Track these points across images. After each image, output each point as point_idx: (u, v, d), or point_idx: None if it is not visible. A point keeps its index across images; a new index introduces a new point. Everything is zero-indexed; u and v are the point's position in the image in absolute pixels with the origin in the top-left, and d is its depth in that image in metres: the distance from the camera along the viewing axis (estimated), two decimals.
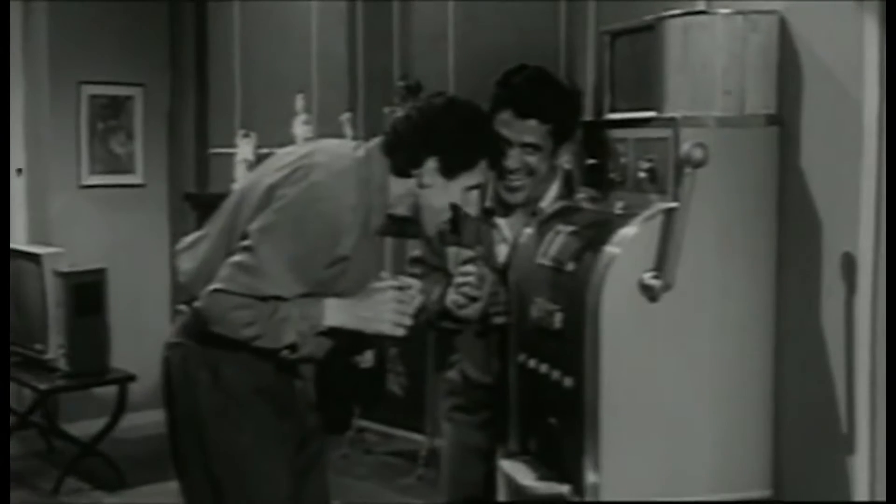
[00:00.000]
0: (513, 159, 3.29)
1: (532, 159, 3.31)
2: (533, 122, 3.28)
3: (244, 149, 6.55)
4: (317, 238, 2.98)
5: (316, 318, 3.03)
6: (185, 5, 7.35)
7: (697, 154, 2.78)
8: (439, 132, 3.04)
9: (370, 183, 3.05)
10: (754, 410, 3.01)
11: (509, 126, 3.28)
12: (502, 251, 3.48)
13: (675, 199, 2.83)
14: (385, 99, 5.35)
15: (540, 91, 3.31)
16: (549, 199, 3.44)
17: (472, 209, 3.18)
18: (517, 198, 3.38)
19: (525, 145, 3.30)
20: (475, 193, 3.13)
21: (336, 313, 3.06)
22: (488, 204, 3.45)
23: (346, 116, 5.59)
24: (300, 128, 5.84)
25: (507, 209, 3.45)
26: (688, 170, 2.79)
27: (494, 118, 3.28)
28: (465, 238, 3.48)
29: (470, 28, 5.11)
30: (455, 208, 3.12)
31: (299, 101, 5.82)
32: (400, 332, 3.09)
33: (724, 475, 2.98)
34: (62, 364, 6.22)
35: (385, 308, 3.08)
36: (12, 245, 7.08)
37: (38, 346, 6.40)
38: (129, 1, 7.29)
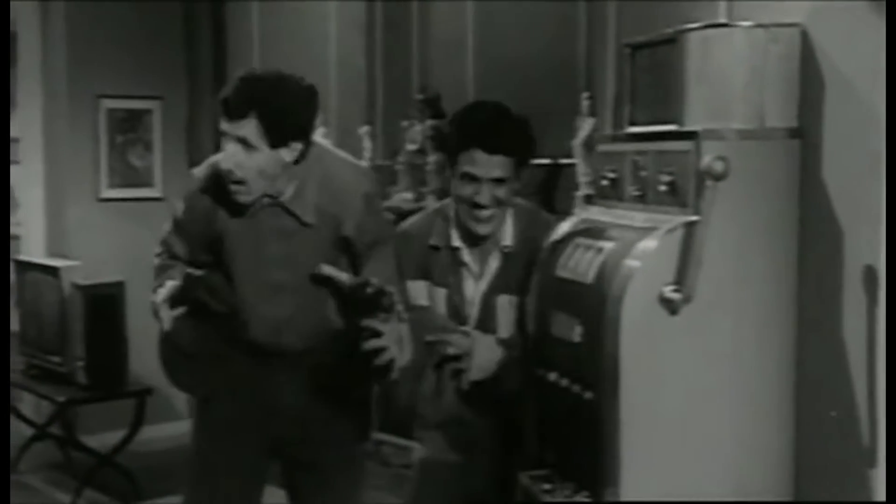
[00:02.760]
0: (483, 195, 3.40)
1: (500, 192, 3.41)
2: (499, 157, 3.38)
3: None
4: None
5: None
6: (202, 19, 7.37)
7: (718, 167, 2.77)
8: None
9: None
10: (775, 423, 3.00)
11: (477, 164, 3.39)
12: (470, 287, 3.53)
13: (696, 212, 2.82)
14: (404, 112, 5.35)
15: (503, 126, 3.41)
16: (509, 235, 3.51)
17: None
18: (487, 228, 3.47)
19: (494, 180, 3.38)
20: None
21: None
22: (455, 242, 3.51)
23: (364, 129, 5.59)
24: (319, 140, 5.83)
25: (473, 240, 3.52)
26: (709, 183, 2.78)
27: (458, 157, 3.39)
28: (435, 274, 3.54)
29: (489, 39, 5.11)
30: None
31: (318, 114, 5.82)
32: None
33: (744, 488, 2.96)
34: (80, 376, 6.23)
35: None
36: (31, 258, 7.11)
37: (57, 359, 6.42)
38: (146, 15, 7.31)
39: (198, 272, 3.32)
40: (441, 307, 3.56)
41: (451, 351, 3.38)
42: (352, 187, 3.38)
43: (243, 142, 3.19)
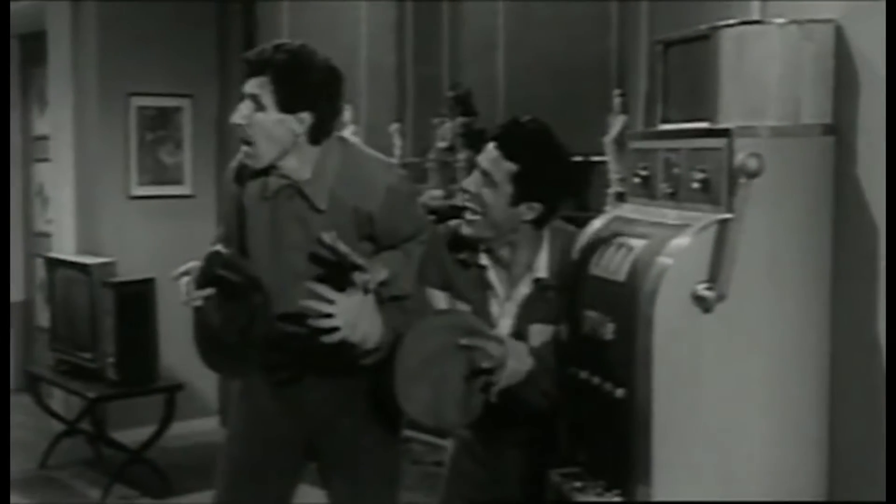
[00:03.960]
0: (468, 181, 3.35)
1: (487, 191, 3.32)
2: (503, 160, 3.30)
3: None
4: None
5: None
6: (233, 17, 7.39)
7: (752, 164, 2.76)
8: None
9: None
10: (809, 423, 2.98)
11: (482, 154, 3.35)
12: (495, 310, 3.46)
13: (729, 209, 2.81)
14: (434, 109, 5.35)
15: (519, 132, 3.35)
16: (543, 265, 3.42)
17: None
18: (468, 230, 3.38)
19: (484, 172, 3.32)
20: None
21: None
22: (483, 261, 3.45)
23: (394, 127, 5.59)
24: (349, 138, 5.83)
25: (500, 262, 3.45)
26: (742, 180, 2.76)
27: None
28: (459, 288, 3.49)
29: (520, 36, 5.10)
30: None
31: (347, 112, 5.82)
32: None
33: (777, 487, 2.94)
34: (111, 372, 6.27)
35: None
36: (63, 256, 7.15)
37: (87, 355, 6.46)
38: (177, 14, 7.34)
39: (217, 247, 3.34)
40: None
41: (484, 364, 3.27)
42: (374, 179, 3.37)
43: (254, 98, 3.28)
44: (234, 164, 3.54)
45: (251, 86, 3.29)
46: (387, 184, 3.38)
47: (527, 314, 3.43)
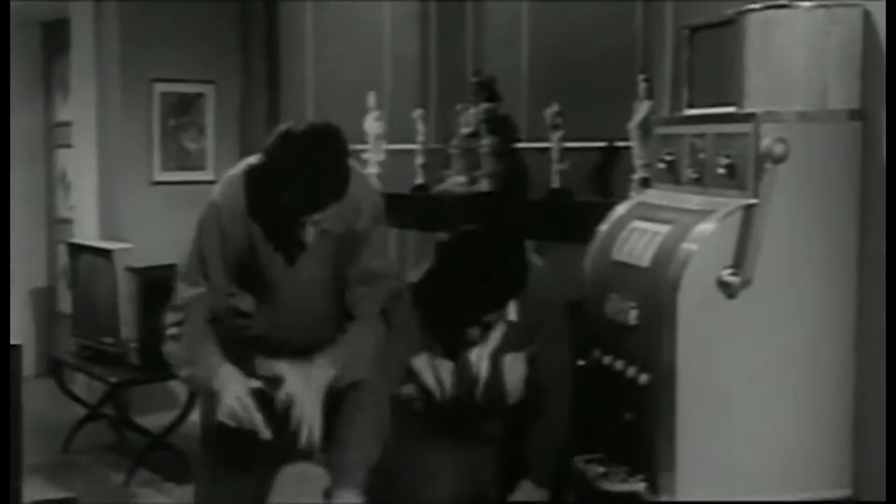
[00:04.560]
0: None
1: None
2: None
3: None
4: None
5: None
6: (256, 2, 7.38)
7: (778, 149, 2.75)
8: None
9: None
10: (834, 409, 2.96)
11: None
12: (474, 357, 3.51)
13: (755, 195, 2.80)
14: (458, 95, 5.32)
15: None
16: (513, 310, 3.45)
17: None
18: None
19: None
20: None
21: None
22: None
23: (418, 113, 5.57)
24: (372, 124, 5.82)
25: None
26: (768, 165, 2.75)
27: None
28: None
29: (544, 21, 5.07)
30: None
31: (371, 98, 5.80)
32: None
33: (802, 474, 2.94)
34: (133, 358, 6.28)
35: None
36: (86, 241, 7.16)
37: (110, 340, 6.47)
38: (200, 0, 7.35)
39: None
40: (447, 381, 3.52)
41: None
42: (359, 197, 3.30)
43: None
44: (228, 196, 3.36)
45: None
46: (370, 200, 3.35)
47: (501, 348, 3.49)
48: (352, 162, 3.22)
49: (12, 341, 3.96)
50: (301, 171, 3.04)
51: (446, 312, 3.38)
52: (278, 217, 3.14)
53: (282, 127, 3.13)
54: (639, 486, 2.97)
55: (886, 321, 2.79)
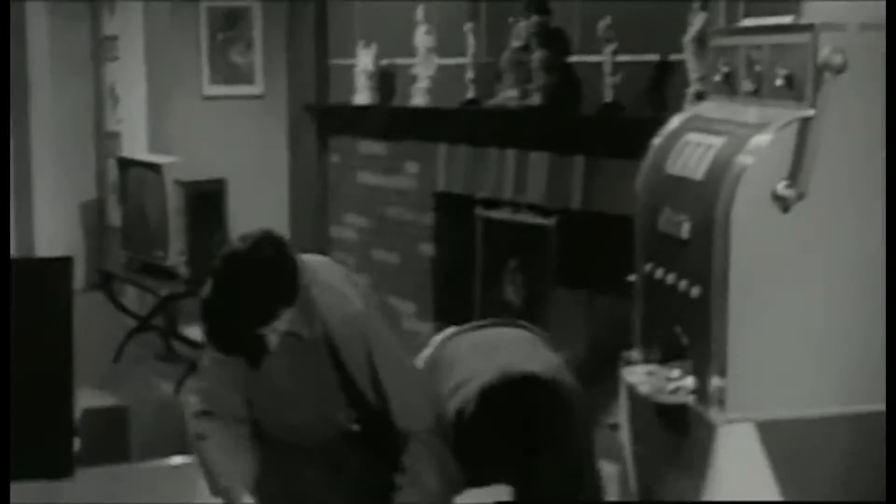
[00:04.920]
0: None
1: None
2: None
3: (364, 59, 6.52)
4: None
5: None
6: None
7: (836, 60, 2.71)
8: None
9: None
10: (886, 323, 2.94)
11: None
12: None
13: (813, 106, 2.76)
14: (509, 8, 5.27)
15: None
16: None
17: None
18: None
19: None
20: None
21: None
22: None
23: (468, 26, 5.52)
24: (422, 38, 5.79)
25: None
26: (827, 76, 2.72)
27: None
28: None
29: None
30: None
31: (420, 12, 5.76)
32: None
33: (851, 388, 2.92)
34: (182, 271, 6.33)
35: None
36: (135, 156, 7.21)
37: (159, 253, 6.53)
38: None
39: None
40: None
41: None
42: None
43: None
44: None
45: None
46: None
47: None
48: (312, 271, 3.19)
49: (64, 253, 4.01)
50: (247, 289, 3.05)
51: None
52: (235, 336, 3.12)
53: (225, 250, 3.12)
54: (688, 397, 2.98)
55: (886, 322, 2.77)
